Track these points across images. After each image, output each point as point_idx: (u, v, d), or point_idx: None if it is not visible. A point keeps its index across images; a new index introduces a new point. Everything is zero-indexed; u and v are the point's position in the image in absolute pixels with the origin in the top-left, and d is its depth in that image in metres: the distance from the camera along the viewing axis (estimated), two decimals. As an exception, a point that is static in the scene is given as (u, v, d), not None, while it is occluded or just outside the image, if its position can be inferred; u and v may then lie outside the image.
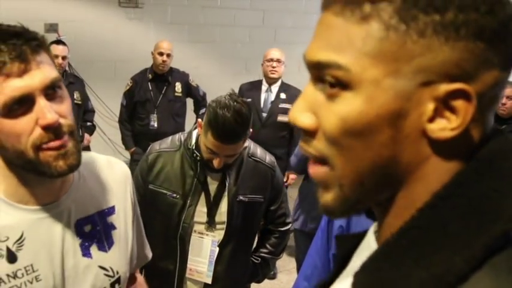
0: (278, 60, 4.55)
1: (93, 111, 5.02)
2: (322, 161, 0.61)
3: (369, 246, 0.68)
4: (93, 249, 1.24)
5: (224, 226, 2.17)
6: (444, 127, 0.55)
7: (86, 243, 1.23)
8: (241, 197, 2.17)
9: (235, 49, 6.86)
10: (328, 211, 0.62)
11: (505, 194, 0.55)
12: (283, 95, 4.55)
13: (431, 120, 0.55)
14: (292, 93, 4.52)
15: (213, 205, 2.15)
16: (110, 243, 1.27)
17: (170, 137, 2.26)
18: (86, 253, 1.22)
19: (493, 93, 0.57)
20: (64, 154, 1.07)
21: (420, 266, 0.54)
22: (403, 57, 0.54)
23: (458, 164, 0.57)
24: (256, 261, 2.38)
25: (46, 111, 1.03)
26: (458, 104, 0.54)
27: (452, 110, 0.55)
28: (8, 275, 1.12)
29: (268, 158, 2.27)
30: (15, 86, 1.00)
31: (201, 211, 2.15)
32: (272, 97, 4.57)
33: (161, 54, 4.73)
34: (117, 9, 6.06)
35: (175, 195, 2.13)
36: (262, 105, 4.56)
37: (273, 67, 4.55)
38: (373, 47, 0.55)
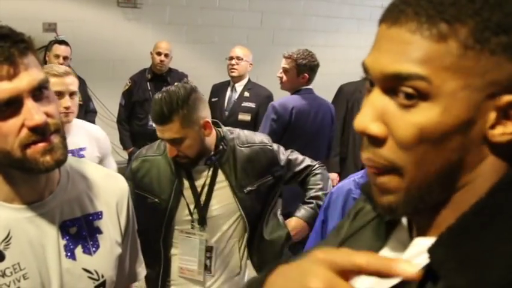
0: (238, 58, 4.46)
1: (94, 112, 5.02)
2: (389, 169, 0.65)
3: (401, 240, 0.73)
4: (78, 252, 1.25)
5: (222, 220, 2.21)
6: (503, 132, 0.62)
7: (71, 245, 1.24)
8: (249, 188, 2.18)
9: (233, 50, 6.87)
10: (390, 211, 0.67)
11: None
12: (247, 94, 4.49)
13: (492, 127, 0.62)
14: (256, 91, 4.49)
15: (203, 206, 2.17)
16: (95, 246, 1.28)
17: (157, 142, 2.28)
18: (70, 254, 1.23)
19: None
20: (51, 149, 1.08)
21: (502, 240, 0.59)
22: (478, 72, 0.61)
23: (509, 163, 0.65)
24: (311, 204, 2.38)
25: (34, 112, 1.04)
26: None
27: (508, 117, 0.62)
28: None
29: (258, 137, 2.28)
30: (3, 88, 1.01)
31: (185, 212, 2.18)
32: (236, 96, 4.51)
33: (159, 54, 4.74)
34: (115, 9, 6.06)
35: (156, 199, 2.17)
36: (226, 104, 4.51)
37: (232, 65, 4.47)
38: (452, 62, 0.60)
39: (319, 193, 2.41)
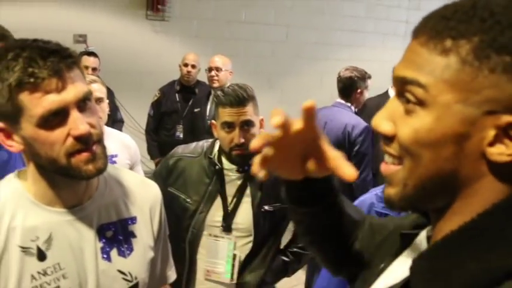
0: (217, 69, 4.44)
1: (122, 122, 5.10)
2: (397, 160, 0.71)
3: (416, 249, 0.78)
4: (113, 254, 1.31)
5: (242, 233, 2.23)
6: (502, 152, 0.64)
7: (107, 248, 1.30)
8: (266, 207, 2.23)
9: (258, 64, 6.93)
10: (389, 202, 0.74)
11: None
12: None
13: (491, 144, 0.64)
14: None
15: (230, 214, 2.21)
16: (129, 249, 1.35)
17: (194, 143, 2.34)
18: (106, 256, 1.30)
19: None
20: (93, 159, 1.16)
21: (474, 260, 0.62)
22: (474, 88, 0.63)
23: (508, 185, 0.66)
24: (286, 258, 2.42)
25: (79, 122, 1.12)
26: None
27: (510, 138, 0.63)
28: (38, 272, 1.20)
29: None
30: (52, 100, 1.10)
31: (215, 216, 2.22)
32: None
33: (186, 65, 4.81)
34: (144, 22, 6.19)
35: (188, 200, 2.22)
36: (208, 113, 4.52)
37: (212, 76, 4.47)
38: (450, 75, 0.64)
39: (301, 251, 2.41)
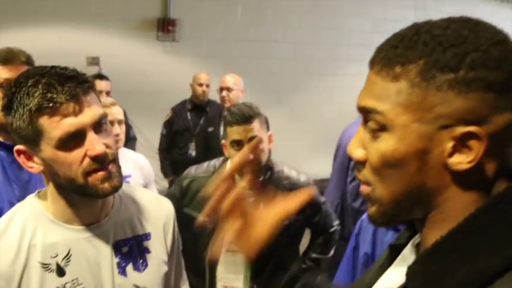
0: (228, 89, 4.47)
1: (135, 139, 5.16)
2: (367, 184, 0.77)
3: (405, 258, 0.82)
4: (129, 269, 1.36)
5: None
6: (461, 161, 0.69)
7: (123, 263, 1.35)
8: None
9: (268, 81, 7.01)
10: (372, 220, 0.80)
11: None
12: None
13: (450, 155, 0.70)
14: None
15: None
16: (144, 265, 1.39)
17: (206, 163, 2.41)
18: (122, 271, 1.35)
19: (510, 133, 0.70)
20: (109, 177, 1.23)
21: (465, 263, 0.67)
22: (425, 107, 0.69)
23: (476, 190, 0.71)
24: (305, 265, 2.47)
25: (95, 143, 1.19)
26: (472, 142, 0.68)
27: (468, 147, 0.68)
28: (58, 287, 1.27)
29: (303, 177, 2.39)
30: (70, 123, 1.17)
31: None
32: None
33: (201, 85, 4.90)
34: (155, 43, 6.31)
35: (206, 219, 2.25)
36: (222, 132, 4.56)
37: (223, 96, 4.51)
38: (403, 99, 0.70)
39: (319, 256, 2.51)
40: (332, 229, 2.52)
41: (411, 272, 0.72)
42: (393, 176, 0.73)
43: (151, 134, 5.64)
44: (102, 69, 5.59)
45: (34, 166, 1.25)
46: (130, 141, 5.05)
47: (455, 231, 0.70)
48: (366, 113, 0.75)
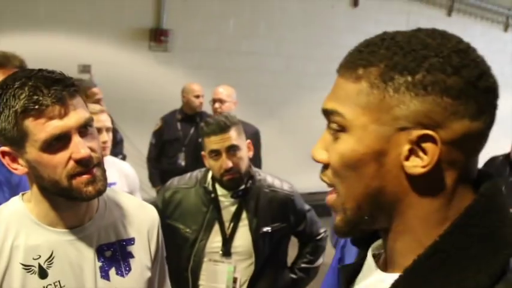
0: (220, 101, 4.44)
1: (121, 141, 5.09)
2: (332, 187, 0.78)
3: (370, 269, 0.81)
4: (112, 273, 1.36)
5: (242, 256, 2.29)
6: (416, 164, 0.69)
7: (106, 267, 1.35)
8: (264, 229, 2.30)
9: (259, 93, 7.03)
10: (337, 230, 0.79)
11: (506, 224, 0.70)
12: None
13: (407, 158, 0.70)
14: (243, 129, 4.51)
15: (228, 239, 2.27)
16: (127, 269, 1.39)
17: (189, 174, 2.42)
18: (105, 275, 1.35)
19: (471, 142, 0.70)
20: (93, 181, 1.23)
21: (452, 282, 0.67)
22: (383, 108, 0.70)
23: (436, 198, 0.71)
24: (295, 276, 2.48)
25: (80, 147, 1.20)
26: (427, 146, 0.68)
27: (424, 151, 0.68)
28: None
29: (286, 185, 2.42)
30: (55, 126, 1.17)
31: (214, 243, 2.28)
32: None
33: (197, 96, 4.91)
34: (147, 52, 6.32)
35: (188, 229, 2.29)
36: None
37: (216, 108, 4.46)
38: (362, 100, 0.71)
39: (308, 266, 2.51)
40: (319, 236, 2.53)
41: None
42: (352, 178, 0.73)
43: (140, 143, 5.63)
44: (93, 77, 5.58)
45: (19, 168, 1.25)
46: (118, 145, 5.02)
47: (433, 250, 0.69)
48: (328, 115, 0.76)
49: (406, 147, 0.69)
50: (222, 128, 2.21)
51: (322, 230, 2.55)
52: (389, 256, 0.77)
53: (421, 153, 0.69)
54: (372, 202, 0.73)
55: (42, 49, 5.46)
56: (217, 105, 4.48)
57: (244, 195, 2.28)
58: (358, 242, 0.88)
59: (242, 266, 2.30)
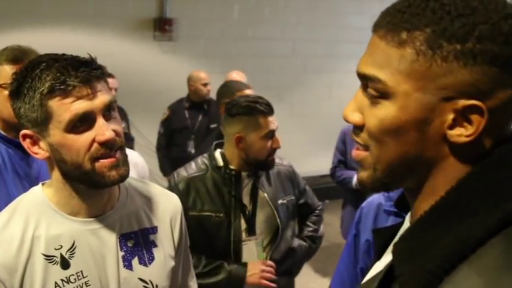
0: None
1: (132, 139, 5.16)
2: (365, 147, 0.77)
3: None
4: (135, 263, 1.34)
5: (265, 233, 2.31)
6: (461, 134, 0.69)
7: (129, 256, 1.33)
8: (281, 201, 2.33)
9: (267, 79, 6.99)
10: (362, 184, 0.79)
11: None
12: None
13: (451, 127, 0.69)
14: None
15: (251, 215, 2.27)
16: (150, 258, 1.37)
17: (193, 162, 2.36)
18: (127, 265, 1.33)
19: (510, 109, 0.69)
20: (116, 165, 1.22)
21: (448, 234, 0.67)
22: (429, 77, 0.68)
23: (470, 164, 0.71)
24: (305, 243, 2.50)
25: (105, 129, 1.18)
26: (473, 116, 0.67)
27: (468, 121, 0.68)
28: (62, 280, 1.24)
29: (285, 161, 2.48)
30: (80, 106, 1.16)
31: (240, 223, 2.27)
32: None
33: (205, 85, 4.91)
34: (152, 42, 6.28)
35: (219, 214, 2.23)
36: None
37: None
38: (406, 67, 0.69)
39: (314, 234, 2.57)
40: (319, 207, 2.61)
41: (396, 248, 0.72)
42: (391, 143, 0.73)
43: (149, 133, 5.63)
44: (99, 69, 5.56)
45: (39, 152, 1.23)
46: (128, 142, 5.04)
47: (437, 204, 0.70)
48: (365, 80, 0.74)
49: (451, 117, 0.69)
50: (272, 108, 2.22)
51: (320, 202, 2.65)
52: (415, 215, 0.76)
53: (465, 123, 0.68)
54: (405, 165, 0.73)
55: (46, 43, 5.41)
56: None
57: (256, 173, 2.29)
58: (400, 206, 0.88)
59: (266, 241, 2.31)
